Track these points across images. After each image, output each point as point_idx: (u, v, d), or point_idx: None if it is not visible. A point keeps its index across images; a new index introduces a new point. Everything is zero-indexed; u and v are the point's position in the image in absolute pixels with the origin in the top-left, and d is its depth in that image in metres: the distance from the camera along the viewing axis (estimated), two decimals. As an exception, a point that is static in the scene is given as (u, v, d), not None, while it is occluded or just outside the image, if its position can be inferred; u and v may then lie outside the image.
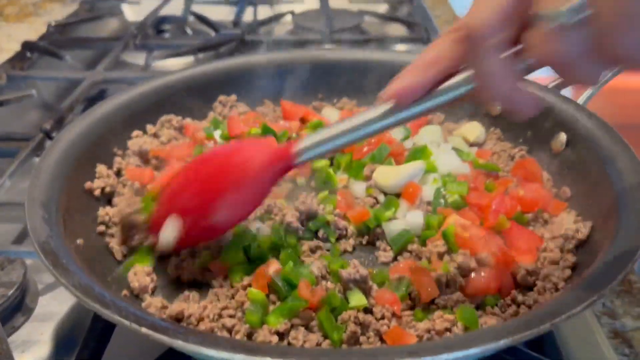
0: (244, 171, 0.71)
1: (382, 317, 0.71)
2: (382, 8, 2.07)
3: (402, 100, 0.63)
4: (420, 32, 1.73)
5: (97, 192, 0.90)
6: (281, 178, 0.73)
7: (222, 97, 1.16)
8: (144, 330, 0.56)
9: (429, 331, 0.69)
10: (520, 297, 0.73)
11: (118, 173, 0.97)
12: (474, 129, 1.07)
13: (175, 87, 1.11)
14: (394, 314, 0.71)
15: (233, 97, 1.17)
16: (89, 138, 0.93)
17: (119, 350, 0.75)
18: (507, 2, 0.55)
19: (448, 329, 0.69)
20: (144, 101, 1.06)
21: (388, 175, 0.92)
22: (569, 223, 0.83)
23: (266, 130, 1.01)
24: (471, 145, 1.06)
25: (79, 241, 0.78)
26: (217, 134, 1.04)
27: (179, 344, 0.55)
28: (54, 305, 0.83)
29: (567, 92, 1.03)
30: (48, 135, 1.18)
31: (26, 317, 0.81)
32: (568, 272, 0.76)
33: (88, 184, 0.89)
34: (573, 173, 0.93)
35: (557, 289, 0.74)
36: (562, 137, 0.96)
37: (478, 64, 0.58)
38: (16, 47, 1.65)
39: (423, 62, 0.62)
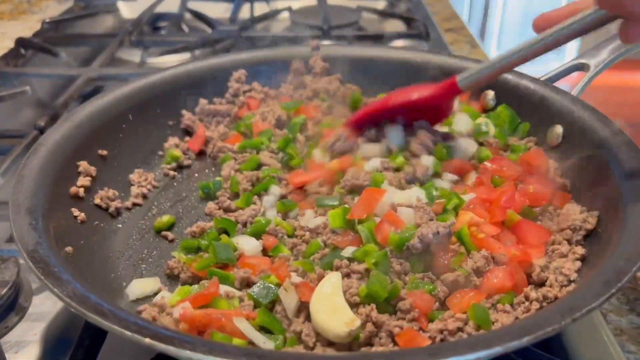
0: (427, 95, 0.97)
1: (410, 318, 0.68)
2: (380, 4, 2.06)
3: (540, 26, 0.81)
4: (418, 28, 1.72)
5: (81, 192, 0.87)
6: (453, 98, 0.98)
7: (237, 74, 1.16)
8: (147, 340, 0.53)
9: (441, 332, 0.67)
10: (533, 294, 0.71)
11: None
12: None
13: (162, 85, 1.08)
14: (417, 319, 0.69)
15: (242, 71, 1.16)
16: (72, 141, 0.90)
17: (115, 349, 0.74)
18: None
19: (460, 329, 0.67)
20: (128, 102, 1.02)
21: None
22: (575, 214, 0.81)
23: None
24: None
25: (68, 249, 0.76)
26: None
27: (187, 354, 0.52)
28: (48, 305, 0.81)
29: (561, 84, 1.02)
30: (42, 132, 1.16)
31: (20, 317, 0.79)
32: (578, 264, 0.75)
33: (74, 189, 0.87)
34: (571, 165, 0.91)
35: (569, 282, 0.72)
36: (558, 129, 0.95)
37: None
38: (10, 44, 1.63)
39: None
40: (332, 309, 0.67)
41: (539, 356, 0.68)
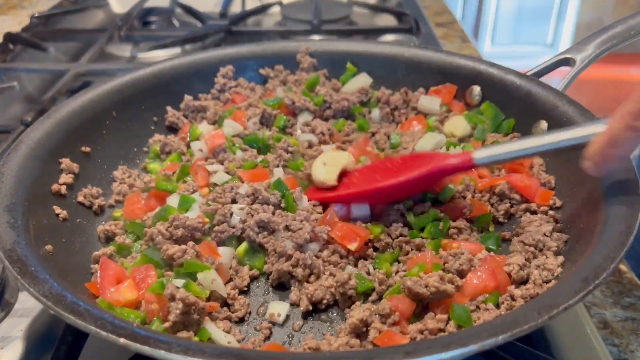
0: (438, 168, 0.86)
1: (391, 322, 0.68)
2: (372, -1, 2.05)
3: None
4: (409, 22, 1.72)
5: (63, 189, 0.86)
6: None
7: (224, 70, 1.15)
8: (122, 341, 0.53)
9: (421, 332, 0.67)
10: (518, 292, 0.71)
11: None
12: (459, 124, 1.05)
13: (146, 81, 1.07)
14: (397, 323, 0.69)
15: (230, 67, 1.15)
16: (54, 138, 0.89)
17: (98, 345, 0.74)
18: None
19: (442, 330, 0.67)
20: (112, 98, 1.01)
21: None
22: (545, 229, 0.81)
23: None
24: (460, 140, 1.04)
25: (48, 247, 0.75)
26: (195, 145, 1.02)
27: (161, 354, 0.52)
28: (34, 301, 0.80)
29: (552, 77, 1.02)
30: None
31: (6, 313, 0.79)
32: (561, 258, 0.75)
33: (55, 187, 0.86)
34: (556, 161, 0.91)
35: (554, 277, 0.72)
36: (543, 124, 0.95)
37: None
38: (-1, 39, 1.62)
39: (603, 149, 0.70)
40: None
41: (521, 350, 0.68)
